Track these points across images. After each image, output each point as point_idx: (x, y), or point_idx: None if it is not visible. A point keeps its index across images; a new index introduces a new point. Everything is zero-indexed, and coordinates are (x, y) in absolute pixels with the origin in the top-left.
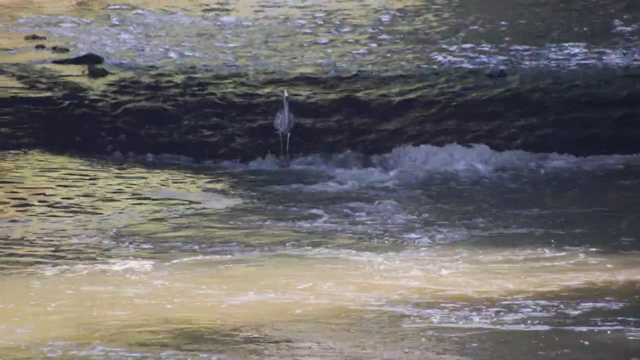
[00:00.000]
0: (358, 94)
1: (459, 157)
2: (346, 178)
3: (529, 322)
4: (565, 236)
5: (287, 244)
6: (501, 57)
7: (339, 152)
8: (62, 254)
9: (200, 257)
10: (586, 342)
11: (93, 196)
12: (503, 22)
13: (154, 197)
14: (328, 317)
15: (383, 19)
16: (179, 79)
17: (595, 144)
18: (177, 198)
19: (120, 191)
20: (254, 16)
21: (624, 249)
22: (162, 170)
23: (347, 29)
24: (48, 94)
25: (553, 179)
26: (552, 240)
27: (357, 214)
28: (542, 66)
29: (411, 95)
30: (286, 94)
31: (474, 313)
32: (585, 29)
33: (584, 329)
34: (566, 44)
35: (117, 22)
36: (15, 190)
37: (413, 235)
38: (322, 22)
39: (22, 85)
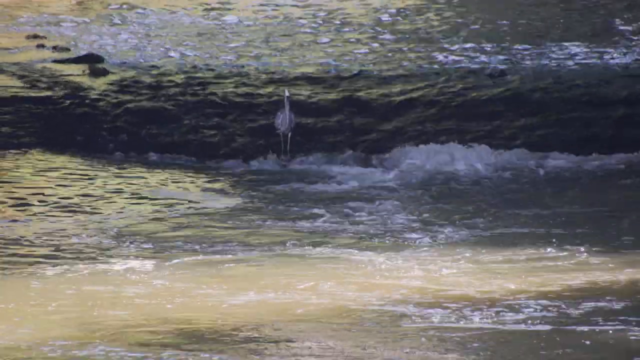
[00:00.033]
0: (359, 94)
1: (460, 157)
2: (347, 178)
3: (530, 321)
4: (566, 236)
5: (288, 244)
6: (502, 57)
7: (339, 151)
8: (62, 254)
9: (200, 257)
10: (587, 342)
11: (93, 196)
12: (504, 22)
13: (155, 197)
14: (329, 317)
15: (384, 19)
16: (179, 78)
17: (596, 143)
18: (177, 198)
19: (120, 191)
20: (254, 15)
21: (625, 249)
22: (163, 170)
23: (348, 29)
24: (49, 93)
25: (554, 178)
26: (553, 240)
27: (357, 213)
28: (542, 66)
29: (412, 95)
30: (287, 94)
31: (475, 313)
32: (585, 28)
33: (586, 328)
34: (567, 44)
35: (118, 22)
36: (15, 189)
37: (414, 235)
38: (323, 22)
39: (22, 85)
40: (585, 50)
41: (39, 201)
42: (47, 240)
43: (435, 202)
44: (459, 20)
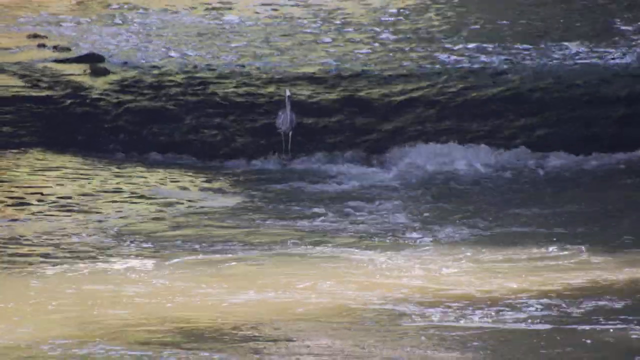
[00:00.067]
0: (360, 93)
1: (460, 157)
2: (347, 177)
3: (531, 321)
4: (567, 235)
5: (288, 243)
6: (502, 57)
7: (340, 151)
8: (62, 253)
9: (201, 256)
10: (588, 341)
11: (94, 195)
12: (504, 22)
13: (155, 196)
14: (329, 316)
15: (385, 18)
16: (180, 78)
17: (597, 143)
18: (178, 197)
19: (121, 190)
20: (255, 15)
21: (626, 248)
22: (164, 169)
23: (349, 28)
24: (49, 93)
25: (554, 178)
26: (554, 239)
27: (358, 213)
28: (542, 65)
29: (412, 95)
30: (288, 93)
31: (475, 312)
32: (586, 28)
33: (586, 327)
34: (567, 43)
35: (119, 21)
36: (16, 189)
37: (414, 235)
38: (323, 21)
39: (23, 84)
40: (585, 49)
41: (39, 200)
42: (47, 239)
43: (435, 202)
44: (460, 20)
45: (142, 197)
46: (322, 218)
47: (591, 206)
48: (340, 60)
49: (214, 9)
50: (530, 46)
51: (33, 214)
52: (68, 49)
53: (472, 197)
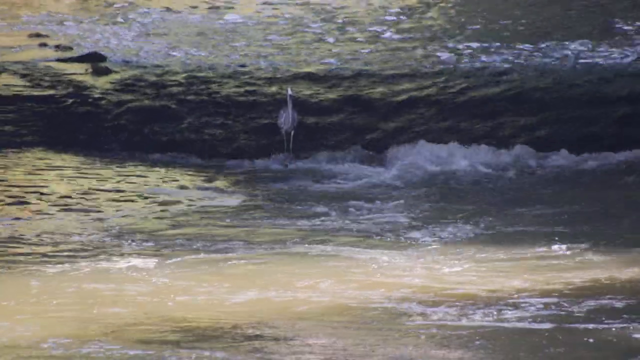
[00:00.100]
0: (362, 93)
1: (462, 156)
2: (349, 176)
3: (533, 320)
4: (568, 234)
5: (290, 242)
6: (504, 56)
7: (342, 150)
8: (63, 252)
9: (202, 255)
10: (590, 340)
11: (95, 194)
12: (506, 21)
13: (156, 195)
14: (330, 315)
15: (387, 17)
16: (182, 77)
17: (598, 142)
18: (179, 196)
19: (122, 189)
20: (257, 14)
21: (627, 247)
22: (166, 168)
23: (350, 27)
24: (51, 92)
25: (555, 177)
26: (555, 239)
27: (359, 212)
28: (544, 65)
29: (414, 94)
30: (290, 92)
31: (477, 311)
32: (587, 28)
33: (588, 326)
34: (568, 43)
35: (121, 20)
36: (17, 188)
37: (416, 234)
38: (325, 21)
39: (25, 84)
40: (586, 49)
41: (41, 199)
42: (48, 238)
43: (437, 201)
44: (461, 19)
45: (143, 196)
46: (324, 217)
47: (592, 205)
48: (342, 60)
49: (215, 8)
50: (532, 46)
51: (34, 212)
52: (70, 48)
53: (473, 197)
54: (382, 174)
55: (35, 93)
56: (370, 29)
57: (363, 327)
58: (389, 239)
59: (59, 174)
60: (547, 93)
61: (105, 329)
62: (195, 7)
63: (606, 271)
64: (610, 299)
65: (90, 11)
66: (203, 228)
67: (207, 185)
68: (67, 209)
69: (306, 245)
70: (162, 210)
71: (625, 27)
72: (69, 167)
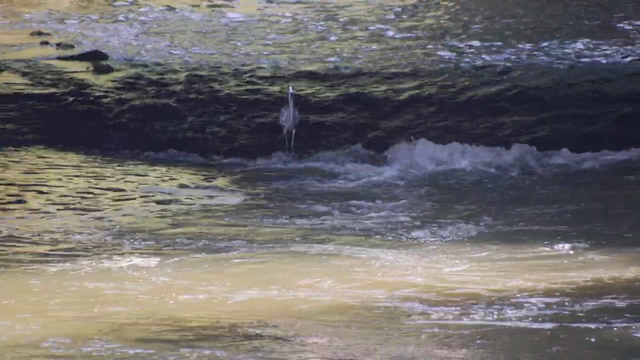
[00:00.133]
0: (364, 91)
1: (462, 155)
2: (351, 175)
3: (534, 319)
4: (570, 234)
5: (291, 241)
6: (505, 55)
7: (344, 149)
8: (64, 251)
9: (203, 254)
10: (592, 340)
11: (96, 193)
12: (507, 20)
13: (158, 194)
14: (331, 314)
15: (388, 16)
16: (184, 75)
17: (599, 141)
18: (180, 195)
19: (123, 188)
20: (259, 13)
21: (629, 246)
22: (166, 167)
23: (352, 26)
24: (52, 90)
25: (558, 176)
26: (557, 238)
27: (361, 211)
28: (546, 63)
29: (416, 92)
30: (291, 90)
31: (478, 310)
32: (587, 26)
33: (590, 326)
34: (570, 41)
35: (122, 19)
36: (17, 187)
37: (418, 233)
38: (327, 19)
39: (26, 82)
40: (589, 47)
41: (41, 198)
42: (48, 237)
43: (438, 200)
44: (463, 18)
45: (144, 194)
46: (325, 216)
47: (593, 205)
48: (344, 58)
49: (217, 6)
50: (533, 45)
51: (35, 211)
52: (71, 47)
53: (474, 196)
54: (383, 172)
55: (37, 91)
56: (372, 27)
57: (364, 326)
58: (390, 238)
59: (60, 172)
60: (548, 92)
61: (106, 327)
62: (196, 6)
63: (608, 271)
64: (612, 298)
65: (91, 9)
66: (204, 227)
67: (207, 183)
68: (67, 207)
69: (307, 244)
70: (162, 209)
71: (626, 27)
72: (70, 165)
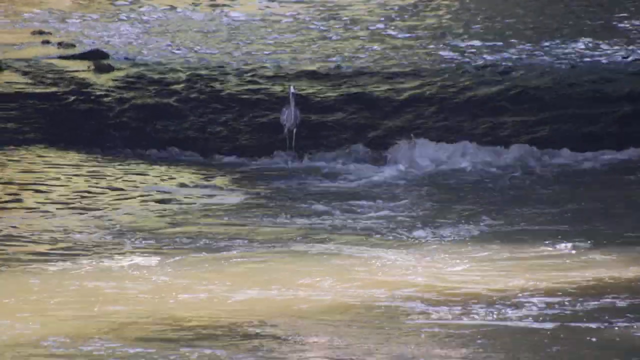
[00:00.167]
0: (365, 90)
1: (463, 155)
2: (352, 175)
3: (535, 319)
4: (571, 233)
5: (292, 240)
6: (506, 55)
7: (344, 148)
8: (64, 250)
9: (203, 254)
10: (593, 339)
11: (96, 192)
12: (508, 20)
13: (158, 193)
14: (332, 313)
15: (390, 15)
16: (185, 74)
17: (599, 141)
18: (181, 194)
19: (124, 187)
20: (260, 12)
21: (630, 246)
22: (167, 166)
23: (354, 25)
24: (53, 89)
25: (558, 175)
26: (558, 237)
27: (362, 210)
28: (546, 63)
29: (417, 92)
30: (292, 90)
31: (479, 309)
32: (588, 26)
33: (591, 326)
34: (571, 41)
35: (124, 18)
36: (18, 186)
37: (418, 232)
38: (329, 18)
39: (27, 81)
40: (590, 47)
41: (41, 197)
42: (48, 236)
43: (439, 200)
44: (465, 17)
45: (144, 193)
46: (325, 215)
47: (594, 204)
48: (345, 58)
49: (218, 5)
50: (533, 44)
51: (34, 210)
52: (72, 46)
53: (475, 196)
54: (384, 172)
55: (38, 90)
56: (373, 27)
57: (365, 325)
58: (390, 238)
59: (60, 171)
60: (548, 92)
61: (106, 327)
62: (198, 5)
63: (609, 270)
64: (613, 298)
65: (92, 8)
66: (204, 226)
67: (208, 183)
68: (67, 206)
69: (307, 243)
70: (162, 208)
71: (627, 26)
72: (71, 164)
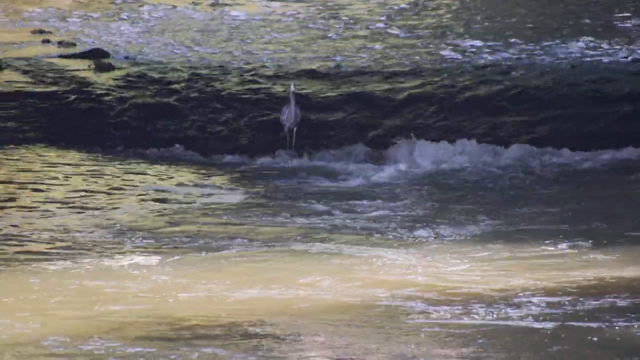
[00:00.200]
0: (365, 89)
1: (463, 154)
2: (352, 174)
3: (536, 318)
4: (571, 233)
5: (292, 240)
6: (507, 54)
7: (345, 147)
8: (64, 249)
9: (203, 253)
10: (594, 339)
11: (97, 191)
12: (509, 19)
13: (158, 193)
14: (332, 313)
15: (390, 15)
16: (186, 73)
17: (599, 141)
18: (181, 193)
19: (124, 186)
20: (261, 11)
21: (631, 246)
22: (168, 165)
23: (354, 24)
24: (54, 88)
25: (558, 175)
26: (559, 237)
27: (362, 210)
28: (547, 63)
29: (418, 91)
30: (292, 89)
31: (479, 309)
32: (589, 26)
33: (591, 325)
34: (571, 41)
35: (124, 17)
36: (18, 185)
37: (419, 232)
38: (329, 17)
39: (27, 80)
40: (591, 46)
41: (41, 196)
42: (48, 235)
43: (439, 200)
44: (465, 17)
45: (144, 193)
46: (325, 215)
47: (594, 204)
48: (345, 57)
49: (219, 4)
50: (534, 44)
51: (34, 210)
52: (73, 45)
53: (475, 196)
54: (384, 171)
55: (38, 89)
56: (374, 26)
57: (365, 325)
58: (391, 237)
59: (60, 170)
60: (548, 92)
61: (106, 326)
62: (198, 4)
63: (610, 270)
64: (614, 297)
65: (93, 7)
66: (204, 225)
67: (208, 182)
68: (67, 206)
69: (308, 242)
70: (162, 208)
71: (627, 26)
72: (71, 163)
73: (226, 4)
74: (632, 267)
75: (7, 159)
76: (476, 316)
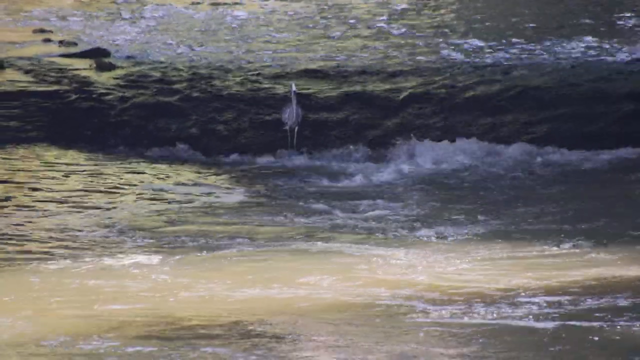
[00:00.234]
0: (366, 89)
1: (464, 154)
2: (353, 173)
3: (536, 318)
4: (571, 232)
5: (293, 239)
6: (507, 53)
7: (346, 147)
8: (64, 249)
9: (204, 252)
10: (595, 338)
11: (97, 190)
12: (510, 19)
13: (159, 192)
14: (332, 312)
15: (392, 14)
16: (187, 73)
17: (600, 140)
18: (182, 192)
19: (125, 186)
20: (262, 10)
21: (631, 245)
22: (169, 164)
23: (355, 23)
24: (55, 87)
25: (558, 175)
26: (560, 237)
27: (363, 209)
28: (547, 62)
29: (418, 90)
30: (293, 88)
31: (480, 308)
32: (589, 25)
33: (592, 325)
34: (572, 40)
35: (125, 16)
36: (20, 184)
37: (419, 231)
38: (330, 16)
39: (29, 79)
40: (591, 45)
41: (42, 195)
42: (49, 234)
43: (439, 199)
44: (466, 15)
45: (145, 192)
46: (326, 214)
47: (595, 203)
48: (347, 55)
49: (221, 4)
50: (534, 43)
51: (35, 209)
52: (74, 44)
53: (475, 195)
54: (385, 171)
55: (40, 89)
56: (375, 25)
57: (366, 324)
58: (391, 237)
59: (62, 169)
60: (549, 91)
61: (106, 325)
62: (199, 3)
63: (610, 269)
64: (614, 297)
65: (94, 7)
66: (204, 225)
67: (209, 181)
68: (68, 205)
69: (308, 242)
70: (163, 207)
71: (628, 26)
72: (72, 163)
73: (227, 4)
74: (632, 266)
75: (8, 158)
76: (476, 315)
